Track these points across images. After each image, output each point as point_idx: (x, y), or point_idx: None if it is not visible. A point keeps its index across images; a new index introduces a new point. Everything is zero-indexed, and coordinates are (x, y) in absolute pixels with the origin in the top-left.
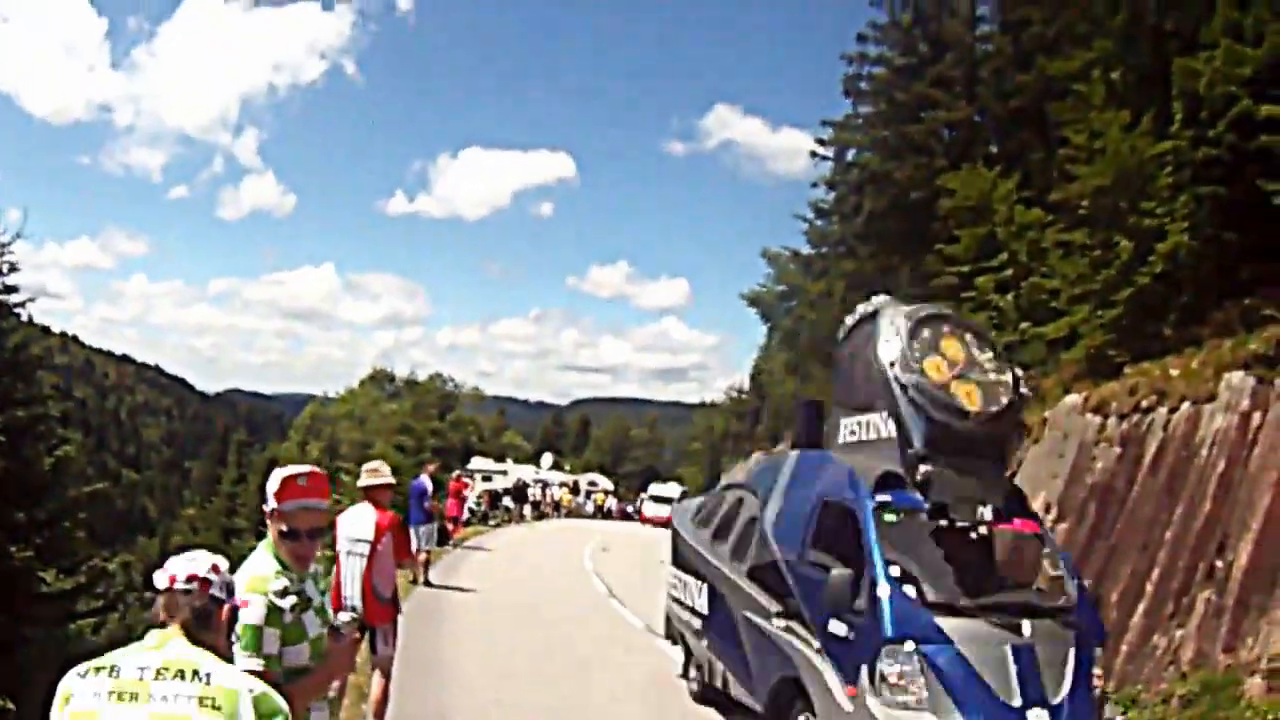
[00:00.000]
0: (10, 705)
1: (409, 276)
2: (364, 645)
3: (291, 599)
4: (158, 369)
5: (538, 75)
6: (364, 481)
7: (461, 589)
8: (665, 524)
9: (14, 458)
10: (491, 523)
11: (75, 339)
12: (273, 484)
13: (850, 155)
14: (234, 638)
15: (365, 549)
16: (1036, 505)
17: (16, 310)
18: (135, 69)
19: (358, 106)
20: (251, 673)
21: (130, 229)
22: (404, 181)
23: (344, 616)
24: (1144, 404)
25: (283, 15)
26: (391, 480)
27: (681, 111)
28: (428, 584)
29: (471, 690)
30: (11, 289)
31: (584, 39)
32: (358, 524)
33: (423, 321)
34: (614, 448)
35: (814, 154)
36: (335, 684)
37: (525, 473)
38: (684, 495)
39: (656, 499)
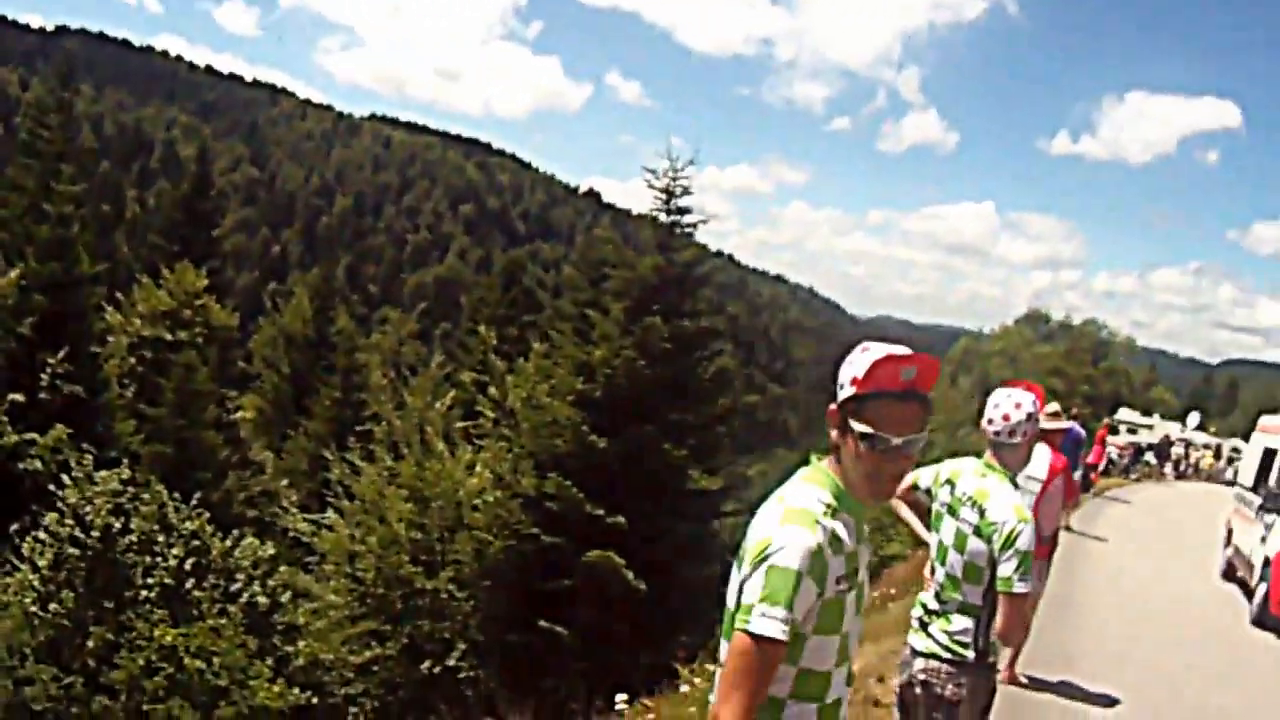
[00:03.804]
0: (643, 586)
1: (1068, 218)
2: None
3: (840, 562)
4: (811, 291)
5: (1203, 19)
6: (1043, 424)
7: (1098, 538)
8: None
9: (678, 365)
10: (1132, 476)
11: (731, 258)
12: (857, 365)
13: None
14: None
15: (1036, 487)
16: None
17: (688, 230)
18: (795, 5)
19: (1019, 45)
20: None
21: (790, 157)
22: (1067, 121)
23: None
24: None
25: None
26: (1067, 426)
27: None
28: (1067, 529)
29: (1099, 637)
30: (685, 210)
31: None
32: (1033, 463)
33: (1080, 265)
34: (1261, 415)
35: None
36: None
37: (1171, 429)
38: None
39: None
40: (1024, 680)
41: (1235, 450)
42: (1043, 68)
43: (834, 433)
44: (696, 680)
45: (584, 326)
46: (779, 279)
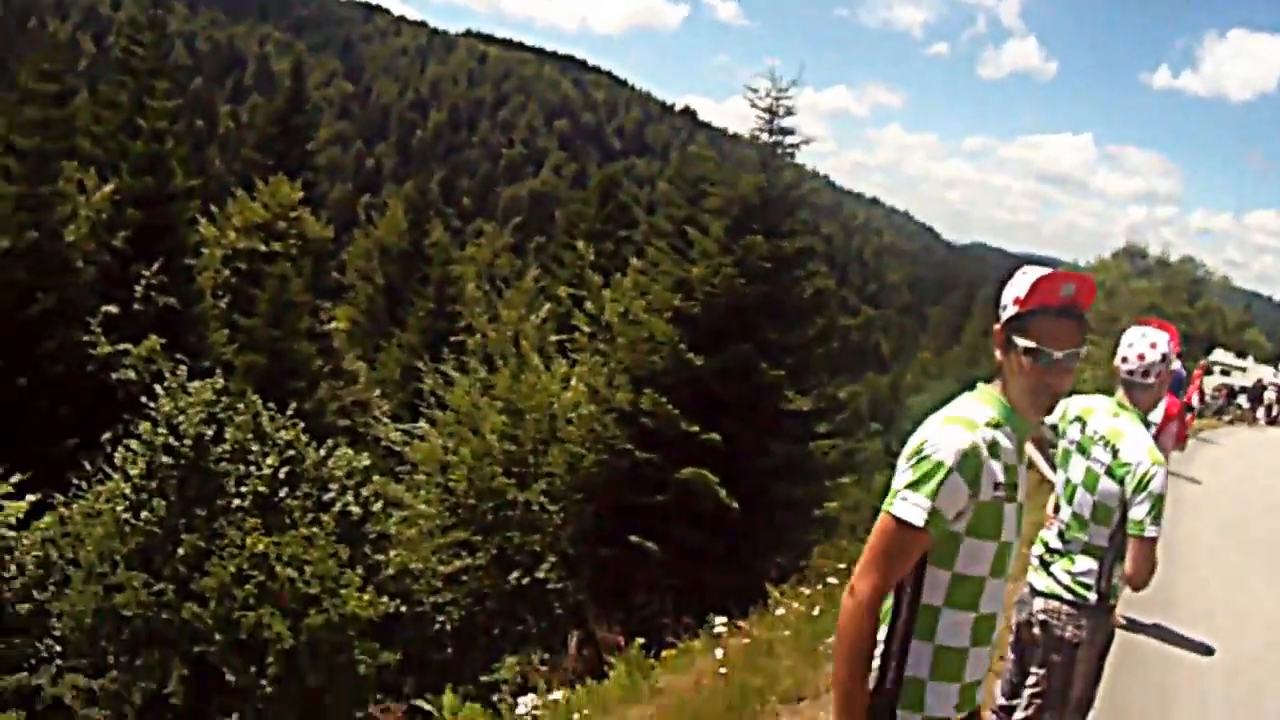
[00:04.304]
0: (735, 505)
1: (1167, 153)
2: None
3: (999, 468)
4: (906, 215)
5: None
6: None
7: (1193, 480)
8: None
9: (776, 284)
10: (1225, 419)
11: (828, 179)
12: (1018, 286)
13: None
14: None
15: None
16: None
17: (790, 151)
18: None
19: None
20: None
21: (888, 81)
22: (1168, 56)
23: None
24: None
25: None
26: (1176, 367)
27: None
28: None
29: (1196, 580)
30: (787, 131)
31: None
32: None
33: (1176, 201)
34: None
35: None
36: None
37: (1264, 373)
38: None
39: None
40: (1122, 621)
41: None
42: (1147, 0)
43: (998, 352)
44: (793, 603)
45: (681, 244)
46: (874, 201)
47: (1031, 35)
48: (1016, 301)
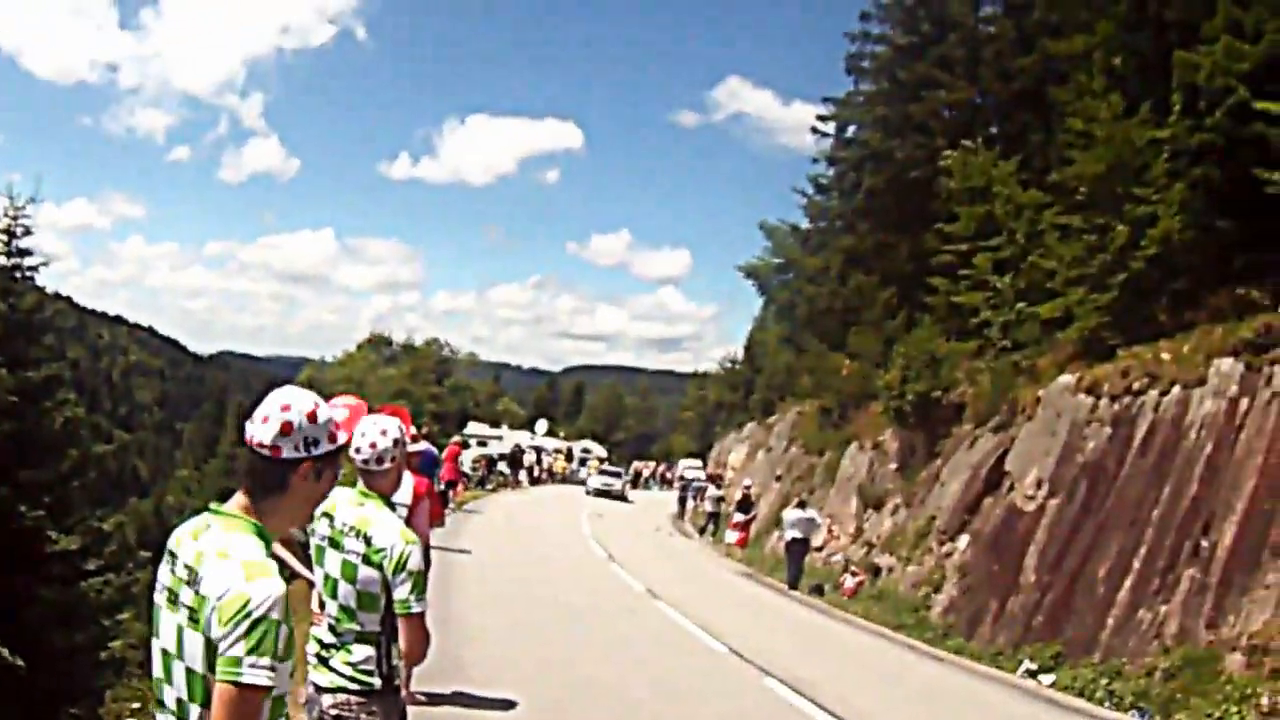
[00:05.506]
0: (20, 663)
1: (409, 242)
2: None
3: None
4: (151, 330)
5: (547, 43)
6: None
7: (463, 550)
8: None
9: (26, 419)
10: (488, 487)
11: (70, 300)
12: (337, 423)
13: (851, 132)
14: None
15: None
16: (1028, 481)
17: (30, 274)
18: (144, 30)
19: (366, 71)
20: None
21: (130, 191)
22: (409, 146)
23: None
24: (1135, 386)
25: None
26: (422, 448)
27: (692, 82)
28: (431, 547)
29: (484, 643)
30: (25, 253)
31: (595, 7)
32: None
33: (419, 287)
34: (607, 415)
35: (815, 130)
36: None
37: (520, 438)
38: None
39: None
40: (421, 698)
41: (586, 450)
42: (388, 93)
43: (301, 480)
44: None
45: None
46: (119, 320)
47: (274, 134)
48: (333, 439)
